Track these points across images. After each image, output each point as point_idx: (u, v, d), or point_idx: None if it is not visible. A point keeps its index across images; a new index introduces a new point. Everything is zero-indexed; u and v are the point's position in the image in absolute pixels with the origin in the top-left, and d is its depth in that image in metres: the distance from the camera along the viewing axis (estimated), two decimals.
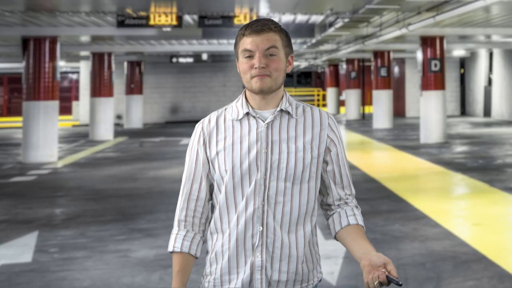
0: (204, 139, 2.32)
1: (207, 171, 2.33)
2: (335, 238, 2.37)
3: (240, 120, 2.30)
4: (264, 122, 2.28)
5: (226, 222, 2.28)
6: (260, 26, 2.24)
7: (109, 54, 21.19)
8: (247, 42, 2.24)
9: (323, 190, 2.37)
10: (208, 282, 2.31)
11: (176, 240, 2.31)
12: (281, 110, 2.29)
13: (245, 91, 2.34)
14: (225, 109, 2.36)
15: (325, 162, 2.33)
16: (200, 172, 2.32)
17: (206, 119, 2.36)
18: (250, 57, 2.24)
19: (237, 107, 2.33)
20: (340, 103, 36.88)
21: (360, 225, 2.31)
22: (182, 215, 2.33)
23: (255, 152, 2.25)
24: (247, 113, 2.29)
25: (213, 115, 2.36)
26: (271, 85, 2.25)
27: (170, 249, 2.31)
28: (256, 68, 2.23)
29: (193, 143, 2.35)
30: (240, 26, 14.50)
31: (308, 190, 2.29)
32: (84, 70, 29.76)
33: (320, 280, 2.39)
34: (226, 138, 2.29)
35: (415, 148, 15.62)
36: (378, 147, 16.64)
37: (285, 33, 2.31)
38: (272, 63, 2.25)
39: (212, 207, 2.36)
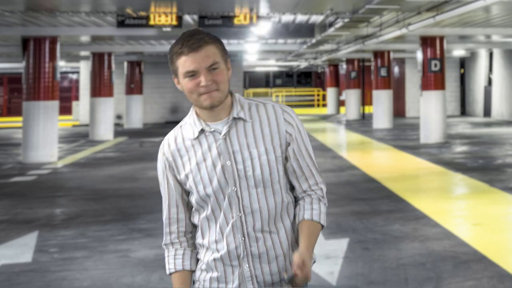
0: (169, 164, 2.34)
1: (181, 192, 2.36)
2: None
3: (198, 138, 2.30)
4: (220, 134, 2.28)
5: (207, 236, 2.33)
6: (196, 41, 2.19)
7: (109, 54, 21.19)
8: (188, 62, 2.20)
9: (290, 184, 2.38)
10: None
11: (169, 262, 2.37)
12: (234, 118, 2.29)
13: (193, 106, 2.32)
14: (181, 126, 2.36)
15: (285, 158, 2.33)
16: (174, 196, 2.36)
17: (165, 143, 2.36)
18: (194, 75, 2.21)
19: (190, 124, 2.32)
20: (340, 103, 36.86)
21: (311, 221, 2.30)
22: (167, 239, 2.40)
23: (220, 167, 2.26)
24: (202, 130, 2.29)
25: (171, 137, 2.36)
26: (220, 98, 2.24)
27: (167, 272, 2.39)
28: (203, 86, 2.21)
29: (161, 169, 2.37)
30: (241, 26, 14.26)
31: (281, 188, 2.31)
32: (84, 70, 29.75)
33: (314, 262, 2.42)
34: (190, 159, 2.30)
35: (415, 148, 15.62)
36: (378, 147, 16.63)
37: (219, 40, 2.27)
38: (217, 76, 2.22)
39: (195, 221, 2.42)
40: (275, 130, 2.29)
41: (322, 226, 2.34)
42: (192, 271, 2.38)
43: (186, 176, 2.31)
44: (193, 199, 2.33)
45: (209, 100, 2.22)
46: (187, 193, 2.36)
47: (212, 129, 2.28)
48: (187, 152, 2.31)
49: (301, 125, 2.35)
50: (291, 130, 2.31)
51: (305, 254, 2.22)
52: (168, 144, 2.35)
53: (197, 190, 2.29)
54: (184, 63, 2.20)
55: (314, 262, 2.42)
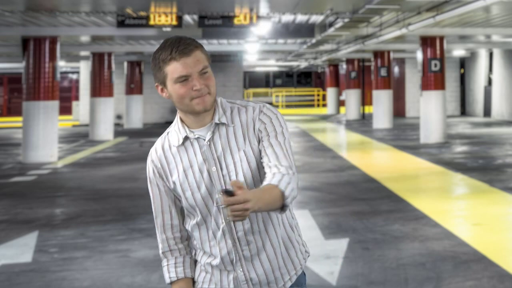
0: (158, 171, 2.35)
1: (173, 198, 2.37)
2: None
3: (183, 145, 2.31)
4: (204, 140, 2.29)
5: (201, 242, 2.35)
6: (186, 46, 2.20)
7: (109, 54, 21.19)
8: (180, 68, 2.19)
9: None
10: None
11: (170, 271, 2.37)
12: (216, 124, 2.30)
13: (178, 112, 2.32)
14: (168, 133, 2.37)
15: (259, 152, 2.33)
16: (167, 202, 2.37)
17: (153, 151, 2.37)
18: (186, 80, 2.21)
19: (176, 131, 2.33)
20: (340, 103, 36.87)
21: (269, 183, 2.17)
22: (165, 246, 2.39)
23: (206, 173, 2.27)
24: (186, 137, 2.30)
25: (158, 144, 2.37)
26: (211, 101, 2.26)
27: (167, 281, 2.38)
28: (196, 90, 2.21)
29: (151, 177, 2.38)
30: (241, 26, 14.19)
31: None
32: (84, 70, 29.75)
33: (308, 256, 2.45)
34: (177, 166, 2.31)
35: (415, 148, 15.62)
36: (378, 147, 16.64)
37: (202, 46, 2.30)
38: (208, 80, 2.25)
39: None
40: (251, 133, 2.30)
41: (283, 193, 2.16)
42: (193, 278, 2.40)
43: (174, 183, 2.32)
44: (184, 205, 2.34)
45: (202, 105, 2.23)
46: (179, 199, 2.36)
47: (196, 136, 2.29)
48: (173, 159, 2.32)
49: (277, 119, 2.32)
50: (263, 127, 2.30)
51: (249, 191, 2.05)
52: (156, 151, 2.36)
53: (185, 196, 2.31)
54: (175, 68, 2.20)
55: (308, 255, 2.46)
